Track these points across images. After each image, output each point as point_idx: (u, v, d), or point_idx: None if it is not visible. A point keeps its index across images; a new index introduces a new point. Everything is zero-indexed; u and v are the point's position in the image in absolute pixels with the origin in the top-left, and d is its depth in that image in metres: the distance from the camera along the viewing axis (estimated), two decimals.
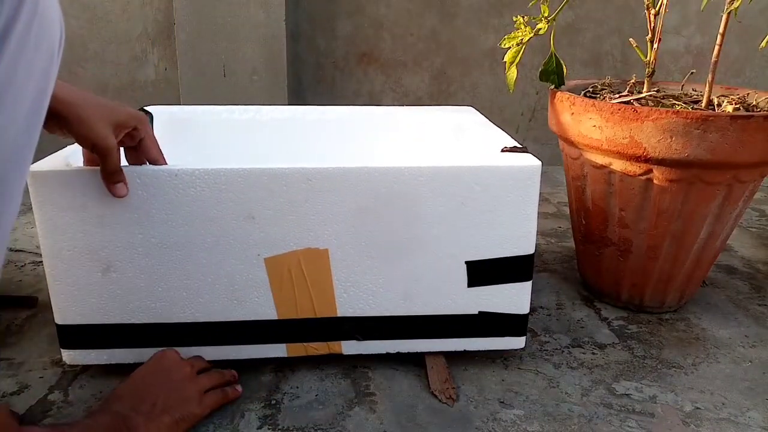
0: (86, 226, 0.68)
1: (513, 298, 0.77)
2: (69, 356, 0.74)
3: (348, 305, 0.75)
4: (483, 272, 0.75)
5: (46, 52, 0.43)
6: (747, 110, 0.87)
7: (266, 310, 0.74)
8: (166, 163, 0.71)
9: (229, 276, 0.72)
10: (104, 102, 0.62)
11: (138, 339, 0.74)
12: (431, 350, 0.80)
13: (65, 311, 0.72)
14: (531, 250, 0.75)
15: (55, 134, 0.61)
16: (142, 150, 0.69)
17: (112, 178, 0.65)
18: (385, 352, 0.79)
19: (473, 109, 1.09)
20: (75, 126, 0.59)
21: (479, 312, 0.77)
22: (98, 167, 0.65)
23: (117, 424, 0.59)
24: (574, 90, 0.98)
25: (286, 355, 0.77)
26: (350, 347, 0.78)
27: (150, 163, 0.70)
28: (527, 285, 0.77)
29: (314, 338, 0.77)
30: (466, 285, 0.76)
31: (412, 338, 0.78)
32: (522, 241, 0.75)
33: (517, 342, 0.80)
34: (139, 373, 0.67)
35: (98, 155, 0.63)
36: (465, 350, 0.80)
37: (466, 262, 0.75)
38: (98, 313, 0.72)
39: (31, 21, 0.40)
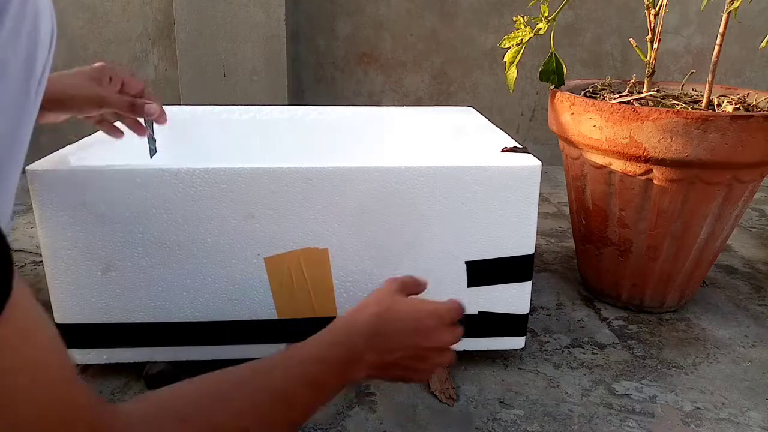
0: (86, 225, 0.68)
1: (513, 298, 0.77)
2: None
3: (348, 305, 0.75)
4: (483, 272, 0.75)
5: (41, 43, 0.43)
6: (747, 110, 0.87)
7: (266, 310, 0.74)
8: (154, 101, 0.74)
9: (229, 275, 0.72)
10: (71, 72, 0.68)
11: (138, 338, 0.74)
12: None
13: (65, 310, 0.72)
14: (531, 250, 0.75)
15: (50, 121, 0.63)
16: (127, 89, 0.72)
17: (132, 111, 0.71)
18: None
19: (473, 109, 1.09)
20: (66, 103, 0.65)
21: (479, 312, 0.77)
22: (111, 134, 0.74)
23: (345, 356, 0.53)
24: (574, 90, 0.98)
25: None
26: None
27: (139, 98, 0.73)
28: (527, 285, 0.77)
29: None
30: (466, 285, 0.76)
31: None
32: (522, 241, 0.74)
33: (517, 342, 0.80)
34: (405, 318, 0.57)
35: (102, 107, 0.69)
36: (465, 350, 0.80)
37: (466, 262, 0.75)
38: (98, 313, 0.72)
39: (23, 11, 0.40)
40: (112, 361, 0.75)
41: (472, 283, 0.76)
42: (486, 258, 0.75)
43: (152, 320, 0.73)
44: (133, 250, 0.70)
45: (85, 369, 0.78)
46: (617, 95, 0.94)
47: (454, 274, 0.75)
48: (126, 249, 0.70)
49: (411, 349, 0.56)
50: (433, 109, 1.11)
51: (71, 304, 0.71)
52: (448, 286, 0.75)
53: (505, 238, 0.74)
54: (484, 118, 1.01)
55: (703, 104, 0.89)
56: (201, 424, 0.42)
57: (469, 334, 0.78)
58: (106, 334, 0.73)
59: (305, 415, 0.51)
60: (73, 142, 0.80)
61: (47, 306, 0.72)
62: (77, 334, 0.73)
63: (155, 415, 0.41)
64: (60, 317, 0.72)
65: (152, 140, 0.81)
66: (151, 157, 0.82)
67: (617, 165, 0.87)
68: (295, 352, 0.51)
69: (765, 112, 0.83)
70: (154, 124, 0.80)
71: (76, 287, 0.71)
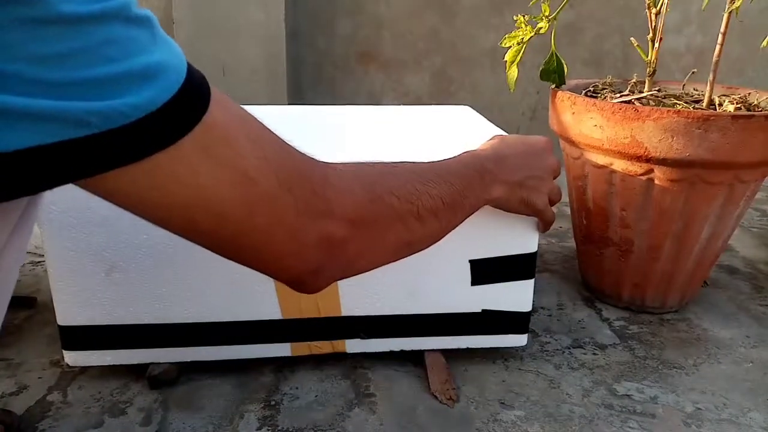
0: (90, 227, 0.68)
1: (516, 295, 0.77)
2: (71, 357, 0.74)
3: (352, 304, 0.75)
4: (487, 270, 0.75)
5: None
6: (748, 110, 0.87)
7: (271, 310, 0.74)
8: None
9: (233, 276, 0.72)
10: None
11: (142, 340, 0.73)
12: (435, 348, 0.80)
13: (68, 312, 0.71)
14: (534, 249, 0.75)
15: None
16: None
17: None
18: (389, 350, 0.79)
19: (469, 108, 1.09)
20: None
21: (482, 310, 0.77)
22: None
23: (478, 174, 0.60)
24: (575, 89, 0.98)
25: (290, 354, 0.77)
26: (354, 346, 0.78)
27: None
28: (530, 283, 0.77)
29: (318, 337, 0.77)
30: (469, 283, 0.76)
31: (415, 336, 0.78)
32: (524, 240, 0.75)
33: (520, 339, 0.80)
34: (517, 144, 0.67)
35: None
36: (468, 348, 0.80)
37: (470, 261, 0.75)
38: (101, 314, 0.72)
39: None
40: (115, 363, 0.75)
41: (476, 281, 0.76)
42: (489, 256, 0.75)
43: (156, 321, 0.73)
44: (137, 251, 0.69)
45: (83, 370, 0.78)
46: (618, 95, 0.94)
47: (458, 273, 0.75)
48: (130, 250, 0.69)
49: (529, 168, 0.65)
50: (430, 108, 1.10)
51: (74, 306, 0.71)
52: (452, 285, 0.76)
53: (508, 236, 0.74)
54: (481, 116, 1.01)
55: (705, 104, 0.89)
56: (382, 192, 0.48)
57: (472, 331, 0.79)
58: (109, 336, 0.73)
59: (454, 223, 0.57)
60: None
61: (49, 307, 0.72)
62: (80, 336, 0.72)
63: (352, 171, 0.48)
64: (63, 319, 0.72)
65: None
66: None
67: (618, 165, 0.86)
68: (432, 168, 0.56)
69: (766, 112, 0.82)
70: None
71: (80, 289, 0.70)
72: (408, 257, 0.73)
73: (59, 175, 0.30)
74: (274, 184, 0.39)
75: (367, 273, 0.72)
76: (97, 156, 0.31)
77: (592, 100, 0.87)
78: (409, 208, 0.49)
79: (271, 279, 0.72)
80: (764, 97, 0.93)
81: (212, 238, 0.40)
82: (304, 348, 0.77)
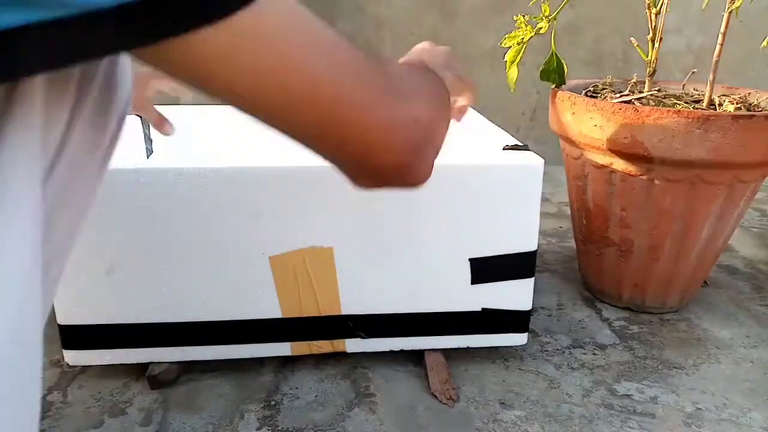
0: (90, 226, 0.67)
1: (515, 294, 0.77)
2: (71, 357, 0.74)
3: (352, 303, 0.75)
4: (486, 269, 0.75)
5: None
6: (748, 110, 0.87)
7: (271, 309, 0.74)
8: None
9: (233, 275, 0.72)
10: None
11: (142, 339, 0.74)
12: (435, 347, 0.80)
13: (68, 312, 0.71)
14: (534, 247, 0.75)
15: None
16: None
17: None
18: (389, 350, 0.79)
19: (470, 108, 1.08)
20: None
21: (482, 309, 0.77)
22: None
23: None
24: (575, 89, 0.98)
25: (290, 354, 0.77)
26: (354, 345, 0.78)
27: None
28: (529, 282, 0.77)
29: (318, 336, 0.77)
30: (469, 282, 0.76)
31: (415, 335, 0.78)
32: (524, 238, 0.75)
33: (520, 338, 0.80)
34: (414, 52, 0.70)
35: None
36: (468, 347, 0.80)
37: (470, 260, 0.75)
38: (102, 314, 0.72)
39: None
40: (115, 363, 0.75)
41: (475, 280, 0.76)
42: (489, 255, 0.75)
43: (156, 320, 0.73)
44: (137, 250, 0.70)
45: (83, 370, 0.78)
46: (618, 95, 0.94)
47: (457, 272, 0.75)
48: (130, 250, 0.69)
49: (434, 55, 0.66)
50: None
51: (75, 306, 0.71)
52: (451, 284, 0.76)
53: (508, 235, 0.74)
54: (481, 116, 1.01)
55: (705, 104, 0.89)
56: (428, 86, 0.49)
57: (472, 330, 0.79)
58: (109, 335, 0.73)
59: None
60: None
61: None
62: (80, 336, 0.73)
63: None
64: (63, 318, 0.72)
65: (149, 140, 0.81)
66: (147, 157, 0.82)
67: (618, 165, 0.86)
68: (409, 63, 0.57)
69: (766, 112, 0.82)
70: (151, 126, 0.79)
71: (81, 288, 0.70)
72: (408, 255, 0.74)
73: (154, 31, 0.30)
74: (359, 57, 0.40)
75: (367, 271, 0.73)
76: (182, 12, 0.30)
77: (593, 100, 0.87)
78: (439, 93, 0.51)
79: (272, 278, 0.72)
80: (764, 97, 0.93)
81: (311, 108, 0.39)
82: (304, 347, 0.77)
